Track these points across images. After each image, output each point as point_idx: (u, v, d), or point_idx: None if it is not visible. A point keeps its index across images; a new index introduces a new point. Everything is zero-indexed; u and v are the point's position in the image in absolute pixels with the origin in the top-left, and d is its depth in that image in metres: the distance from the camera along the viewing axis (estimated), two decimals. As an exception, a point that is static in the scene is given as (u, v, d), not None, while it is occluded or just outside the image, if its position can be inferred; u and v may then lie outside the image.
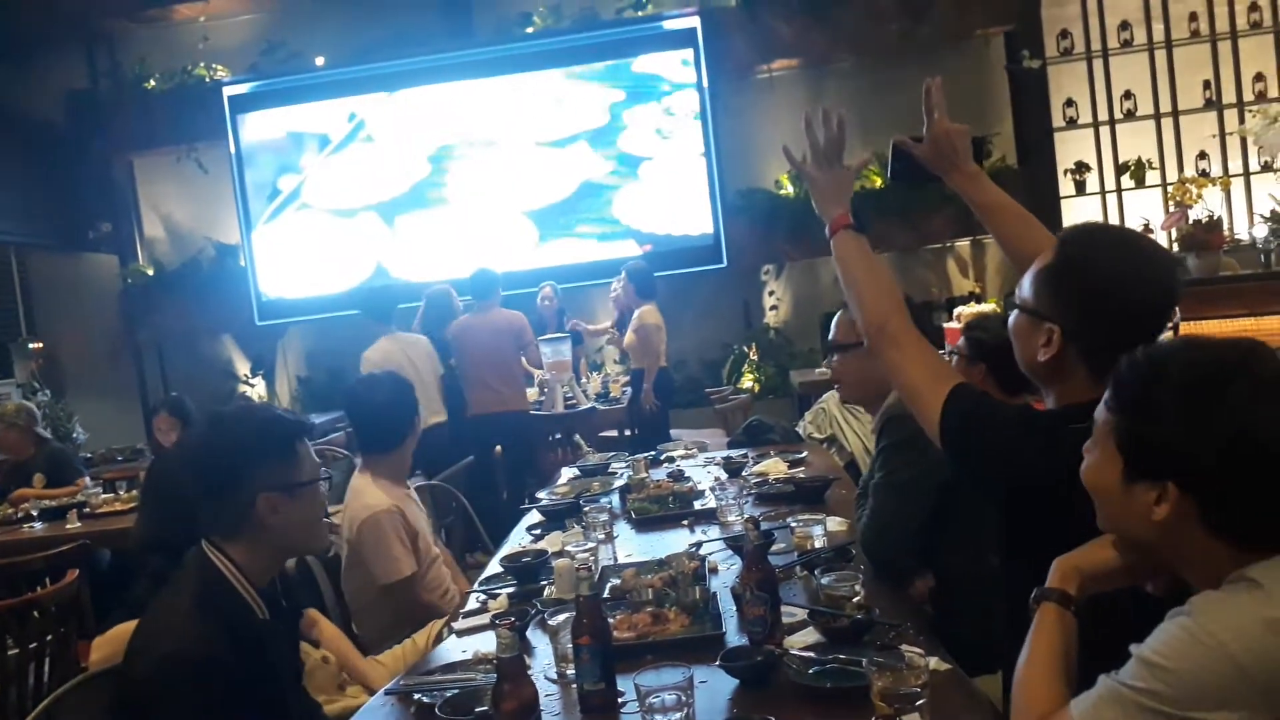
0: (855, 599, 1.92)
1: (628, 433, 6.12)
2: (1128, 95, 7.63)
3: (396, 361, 5.26)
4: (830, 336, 2.59)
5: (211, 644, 1.64)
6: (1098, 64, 7.67)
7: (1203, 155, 7.54)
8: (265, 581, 1.82)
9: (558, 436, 6.01)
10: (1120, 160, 7.66)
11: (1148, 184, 7.61)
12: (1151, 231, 7.34)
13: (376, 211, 8.19)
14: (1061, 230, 1.70)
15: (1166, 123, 7.61)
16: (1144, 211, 7.52)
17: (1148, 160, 7.59)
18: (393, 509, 2.74)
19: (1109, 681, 1.17)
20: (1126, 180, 7.66)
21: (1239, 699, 1.08)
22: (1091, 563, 1.33)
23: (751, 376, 7.92)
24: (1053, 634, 1.32)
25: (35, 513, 4.74)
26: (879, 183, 7.80)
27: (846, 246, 1.80)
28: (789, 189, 7.92)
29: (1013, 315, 1.66)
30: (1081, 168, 7.70)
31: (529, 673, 1.48)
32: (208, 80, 8.30)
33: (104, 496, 4.92)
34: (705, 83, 7.87)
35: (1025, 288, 1.63)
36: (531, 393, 6.16)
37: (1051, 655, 1.30)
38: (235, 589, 1.75)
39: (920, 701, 1.41)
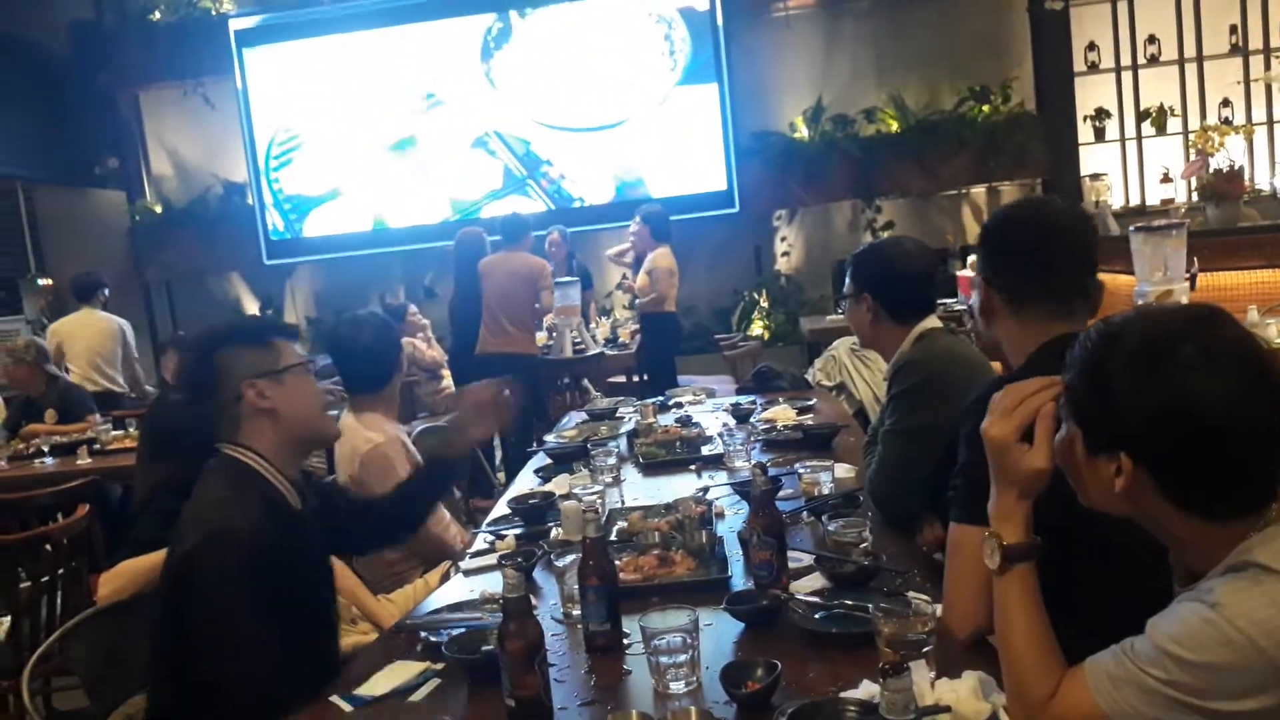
0: (862, 545, 1.91)
1: (635, 379, 6.11)
2: (1152, 39, 7.46)
3: (85, 334, 6.17)
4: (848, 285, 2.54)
5: (255, 521, 1.67)
6: (1122, 6, 7.50)
7: (1226, 103, 7.39)
8: (292, 474, 1.85)
9: (565, 381, 6.00)
10: (1141, 107, 7.52)
11: (1169, 131, 7.48)
12: (1170, 180, 7.24)
13: (379, 151, 8.11)
14: None
15: (1190, 68, 7.45)
16: (1164, 159, 7.41)
17: (1170, 107, 7.45)
18: (396, 439, 2.78)
19: (1126, 663, 1.14)
20: (1147, 127, 7.53)
21: (1269, 686, 1.06)
22: (1029, 497, 1.34)
23: (761, 323, 7.88)
24: (1034, 594, 1.32)
25: (46, 448, 4.77)
26: (895, 126, 7.68)
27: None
28: (803, 132, 7.80)
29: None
30: (1102, 114, 7.57)
31: (535, 613, 1.48)
32: (214, 13, 8.18)
33: (114, 434, 4.94)
34: (720, 20, 7.71)
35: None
36: (541, 337, 6.14)
37: (1040, 622, 1.29)
38: (266, 477, 1.78)
39: (927, 648, 1.41)
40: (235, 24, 8.08)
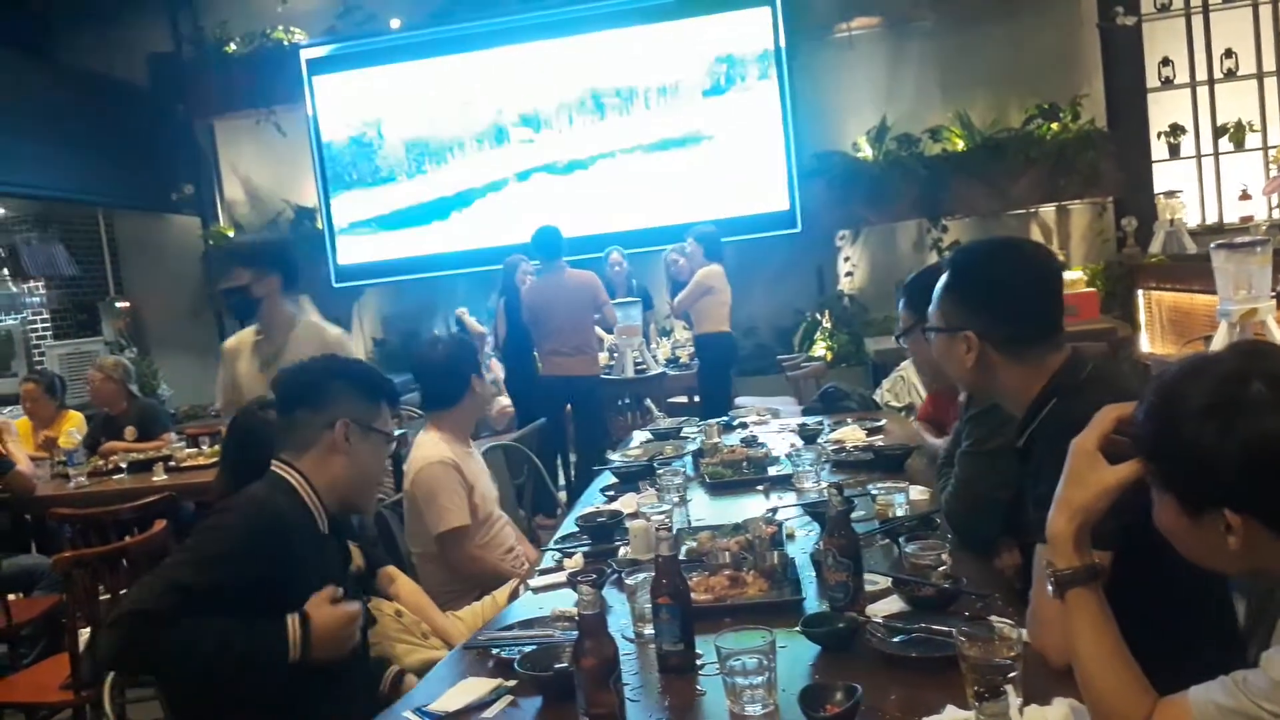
0: (941, 568, 1.86)
1: (696, 399, 6.09)
2: (1229, 54, 7.26)
3: None
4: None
5: (281, 514, 1.82)
6: (1197, 20, 7.31)
7: (1308, 117, 7.17)
8: (328, 504, 1.93)
9: (626, 401, 6.01)
10: (1218, 122, 7.31)
11: (1248, 147, 7.26)
12: (1250, 197, 7.03)
13: (448, 172, 8.24)
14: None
15: (1270, 82, 7.23)
16: (1243, 177, 7.19)
17: (1248, 123, 7.23)
18: (446, 460, 2.81)
19: (1239, 694, 1.11)
20: (1224, 143, 7.31)
21: None
22: (1079, 520, 1.30)
23: (824, 344, 7.81)
24: (1098, 618, 1.28)
25: (123, 465, 4.91)
26: (961, 145, 7.59)
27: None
28: (867, 152, 7.74)
29: (932, 343, 1.82)
30: (1176, 130, 7.37)
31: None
32: (286, 44, 8.40)
33: (188, 451, 5.07)
34: (782, 41, 7.70)
35: (931, 314, 1.80)
36: (603, 357, 6.16)
37: (1113, 644, 1.26)
38: (302, 498, 1.89)
39: (1013, 674, 1.36)
40: (306, 53, 8.29)
